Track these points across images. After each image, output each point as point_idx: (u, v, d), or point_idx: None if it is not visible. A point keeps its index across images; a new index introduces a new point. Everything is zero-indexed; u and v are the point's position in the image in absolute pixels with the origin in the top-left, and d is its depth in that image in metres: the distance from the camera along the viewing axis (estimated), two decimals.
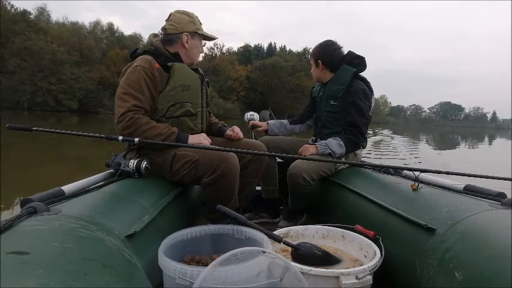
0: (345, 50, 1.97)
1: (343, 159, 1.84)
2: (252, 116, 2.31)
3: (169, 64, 1.52)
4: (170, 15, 1.62)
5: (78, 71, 31.36)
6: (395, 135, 22.20)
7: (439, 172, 1.31)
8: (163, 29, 1.62)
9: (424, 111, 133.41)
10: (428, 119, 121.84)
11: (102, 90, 33.23)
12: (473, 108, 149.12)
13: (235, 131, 1.76)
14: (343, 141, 1.80)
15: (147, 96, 1.44)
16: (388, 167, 1.70)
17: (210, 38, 1.70)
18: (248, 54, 58.91)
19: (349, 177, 1.75)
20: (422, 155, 10.43)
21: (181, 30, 1.59)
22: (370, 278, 1.00)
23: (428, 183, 1.35)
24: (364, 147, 1.95)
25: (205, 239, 1.17)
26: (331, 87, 1.92)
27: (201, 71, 1.73)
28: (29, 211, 0.79)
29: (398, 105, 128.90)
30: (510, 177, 1.26)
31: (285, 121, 2.24)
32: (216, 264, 0.80)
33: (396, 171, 1.65)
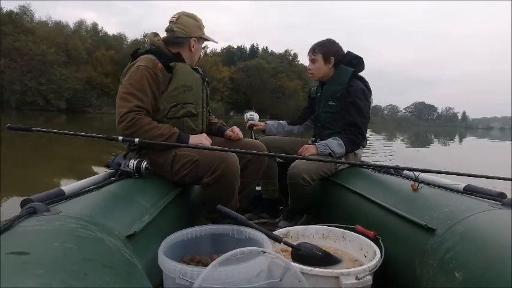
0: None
1: (343, 159, 1.84)
2: (252, 116, 2.31)
3: (171, 64, 1.52)
4: (178, 17, 1.61)
5: (66, 72, 31.65)
6: (374, 134, 23.08)
7: (439, 172, 1.31)
8: (170, 30, 1.61)
9: (400, 111, 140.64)
10: (404, 119, 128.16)
11: (90, 90, 33.62)
12: (445, 108, 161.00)
13: (235, 131, 1.76)
14: (343, 141, 1.80)
15: (150, 96, 1.44)
16: (389, 167, 1.70)
17: (211, 41, 1.74)
18: (231, 55, 60.58)
19: (349, 177, 1.74)
20: (395, 152, 10.99)
21: (190, 35, 1.60)
22: (370, 278, 1.00)
23: (428, 183, 1.35)
24: (364, 147, 1.95)
25: (205, 239, 1.17)
26: (330, 88, 1.92)
27: (201, 71, 1.73)
28: (29, 211, 0.79)
29: (375, 105, 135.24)
30: (510, 177, 1.26)
31: (284, 122, 2.24)
32: (216, 264, 0.80)
33: (396, 171, 1.65)
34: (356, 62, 1.91)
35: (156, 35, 1.67)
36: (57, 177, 4.78)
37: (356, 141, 1.84)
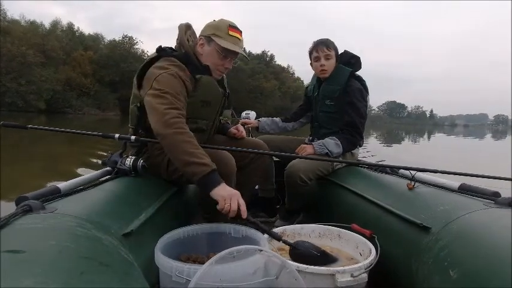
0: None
1: (340, 159, 1.85)
2: (248, 114, 2.30)
3: (197, 76, 1.43)
4: None
5: (45, 72, 31.13)
6: None
7: (435, 171, 1.32)
8: None
9: (374, 110, 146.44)
10: (377, 117, 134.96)
11: (69, 91, 33.38)
12: (415, 106, 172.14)
13: (240, 129, 1.75)
14: (341, 140, 1.81)
15: (184, 103, 1.33)
16: (385, 166, 1.71)
17: (230, 52, 1.44)
18: None
19: (346, 176, 1.75)
20: (371, 148, 11.29)
21: (201, 34, 1.48)
22: (365, 276, 1.01)
23: (424, 182, 1.36)
24: (361, 146, 1.96)
25: (201, 238, 1.17)
26: (327, 87, 1.92)
27: (225, 83, 1.64)
28: (24, 209, 0.79)
29: None
30: (506, 176, 1.28)
31: (277, 119, 2.24)
32: (213, 262, 0.80)
33: (393, 170, 1.66)
34: (353, 62, 1.92)
35: (188, 28, 1.51)
36: (37, 179, 4.63)
37: (353, 140, 1.85)
